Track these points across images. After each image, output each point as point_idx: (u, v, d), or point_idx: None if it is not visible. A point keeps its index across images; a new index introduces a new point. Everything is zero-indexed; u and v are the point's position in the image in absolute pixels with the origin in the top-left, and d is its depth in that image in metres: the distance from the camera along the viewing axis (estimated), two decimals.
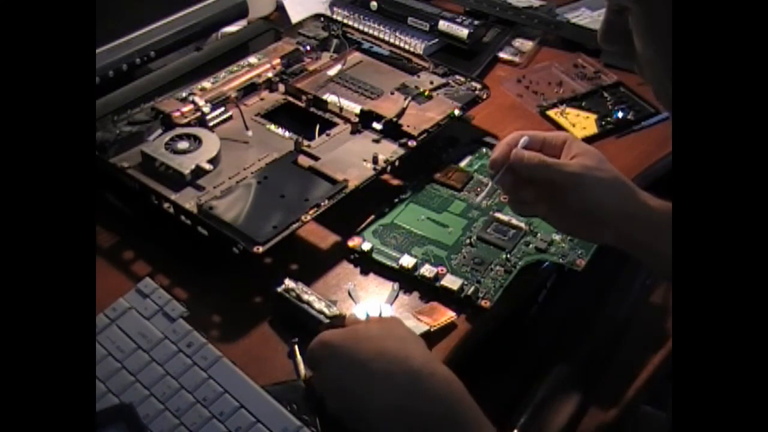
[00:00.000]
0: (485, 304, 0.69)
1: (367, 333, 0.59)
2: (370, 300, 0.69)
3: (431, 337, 0.65)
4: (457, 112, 0.85)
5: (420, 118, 0.83)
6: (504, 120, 0.92)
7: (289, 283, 0.66)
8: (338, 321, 0.64)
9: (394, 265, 0.72)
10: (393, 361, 0.56)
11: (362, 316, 0.65)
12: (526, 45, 1.05)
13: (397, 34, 1.03)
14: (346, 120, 0.83)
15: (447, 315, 0.67)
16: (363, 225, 0.76)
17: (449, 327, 0.67)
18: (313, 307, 0.65)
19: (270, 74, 0.89)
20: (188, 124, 0.81)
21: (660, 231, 0.62)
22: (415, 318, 0.67)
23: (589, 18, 1.07)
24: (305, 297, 0.65)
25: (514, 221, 0.76)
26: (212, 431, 0.56)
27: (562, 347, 0.71)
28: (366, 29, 1.02)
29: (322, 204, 0.72)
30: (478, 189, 0.81)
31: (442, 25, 1.01)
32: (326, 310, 0.65)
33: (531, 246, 0.74)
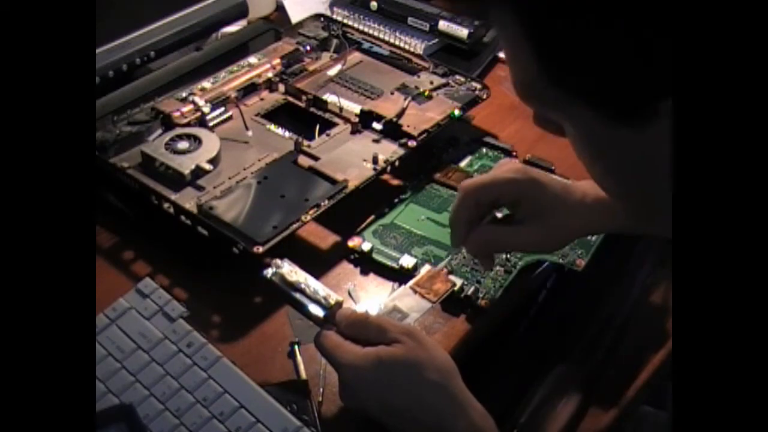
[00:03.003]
0: (485, 304, 0.69)
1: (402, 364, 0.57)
2: (370, 300, 0.69)
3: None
4: (457, 112, 0.85)
5: (420, 118, 0.83)
6: (504, 120, 0.92)
7: (281, 266, 0.62)
8: (337, 308, 0.60)
9: (394, 265, 0.72)
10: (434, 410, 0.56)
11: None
12: None
13: (397, 34, 1.03)
14: (346, 120, 0.83)
15: (446, 284, 0.67)
16: (363, 225, 0.76)
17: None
18: (308, 296, 0.61)
19: (270, 74, 0.89)
20: (188, 124, 0.81)
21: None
22: (417, 293, 0.66)
23: None
24: (301, 284, 0.61)
25: None
26: (212, 431, 0.56)
27: (562, 347, 0.71)
28: (366, 29, 1.02)
29: (322, 204, 0.72)
30: None
31: (442, 25, 1.00)
32: (324, 300, 0.60)
33: None
